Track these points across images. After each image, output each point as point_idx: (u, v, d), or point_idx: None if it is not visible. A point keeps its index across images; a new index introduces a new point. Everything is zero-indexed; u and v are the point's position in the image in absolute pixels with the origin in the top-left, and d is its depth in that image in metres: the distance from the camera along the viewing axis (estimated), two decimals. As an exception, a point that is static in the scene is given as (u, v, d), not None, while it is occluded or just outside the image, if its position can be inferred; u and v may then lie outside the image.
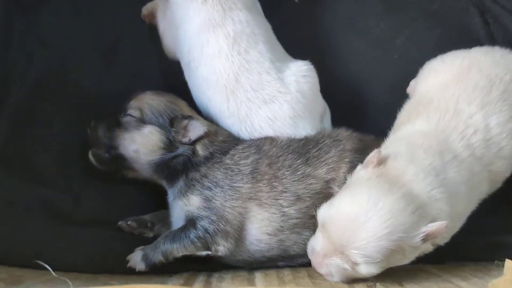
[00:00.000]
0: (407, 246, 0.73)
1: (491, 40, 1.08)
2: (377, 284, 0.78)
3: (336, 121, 1.05)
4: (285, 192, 0.89)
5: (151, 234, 0.96)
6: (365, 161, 0.79)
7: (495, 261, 0.86)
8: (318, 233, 0.80)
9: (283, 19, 1.11)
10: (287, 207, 0.88)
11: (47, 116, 0.99)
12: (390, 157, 0.79)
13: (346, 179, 0.85)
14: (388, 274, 0.79)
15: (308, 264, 0.92)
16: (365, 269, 0.74)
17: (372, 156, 0.78)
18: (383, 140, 0.96)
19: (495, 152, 0.85)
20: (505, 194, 0.93)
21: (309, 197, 0.89)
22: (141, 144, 0.91)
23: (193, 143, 0.92)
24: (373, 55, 1.13)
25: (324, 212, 0.78)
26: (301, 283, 0.81)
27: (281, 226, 0.88)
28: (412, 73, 1.07)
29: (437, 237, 0.74)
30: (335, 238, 0.74)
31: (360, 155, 0.92)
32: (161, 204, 0.98)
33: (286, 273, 0.88)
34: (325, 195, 0.89)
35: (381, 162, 0.78)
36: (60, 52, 1.04)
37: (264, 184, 0.89)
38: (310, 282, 0.82)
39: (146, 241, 0.92)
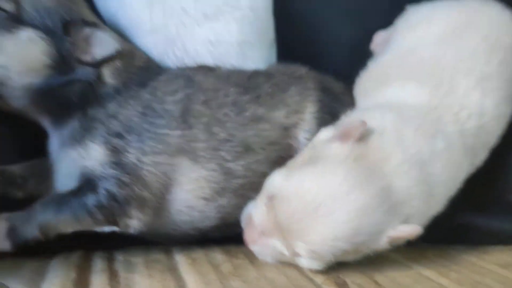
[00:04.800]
0: (365, 248, 0.60)
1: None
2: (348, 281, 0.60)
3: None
4: (229, 140, 0.65)
5: (20, 194, 0.65)
6: (342, 130, 0.60)
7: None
8: (261, 202, 0.61)
9: None
10: (231, 161, 0.65)
11: None
12: (375, 133, 0.61)
13: (315, 121, 0.69)
14: (355, 266, 0.63)
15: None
16: (307, 263, 0.60)
17: (355, 127, 0.59)
18: (345, 83, 0.79)
19: (484, 141, 0.72)
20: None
21: (262, 148, 0.67)
22: (14, 57, 0.59)
23: (99, 64, 0.62)
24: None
25: (277, 182, 0.60)
26: (248, 277, 0.59)
27: (222, 188, 0.65)
28: (373, 10, 0.88)
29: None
30: (283, 220, 0.58)
31: (328, 95, 0.72)
32: (37, 148, 0.67)
33: (221, 259, 0.65)
34: (283, 147, 0.68)
35: (364, 136, 0.60)
36: None
37: (200, 130, 0.64)
38: (257, 275, 0.60)
39: (12, 205, 0.62)
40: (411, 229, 0.59)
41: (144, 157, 0.61)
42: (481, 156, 0.74)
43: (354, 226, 0.56)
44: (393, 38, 0.81)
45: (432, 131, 0.66)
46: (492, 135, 0.74)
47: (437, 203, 0.67)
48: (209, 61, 0.70)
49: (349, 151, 0.58)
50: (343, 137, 0.59)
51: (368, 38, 0.88)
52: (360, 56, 0.83)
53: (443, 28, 0.75)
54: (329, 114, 0.69)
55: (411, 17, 0.82)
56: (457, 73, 0.71)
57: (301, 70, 0.75)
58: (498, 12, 0.78)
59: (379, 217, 0.58)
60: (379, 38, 0.88)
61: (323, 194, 0.56)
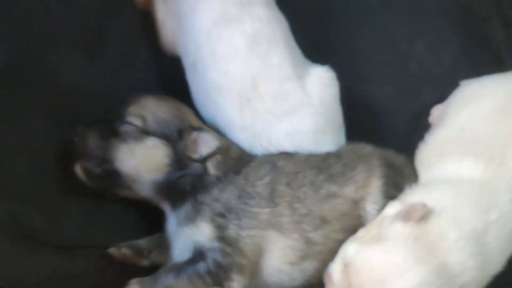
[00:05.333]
0: None
1: (512, 56, 1.01)
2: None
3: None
4: (309, 214, 0.79)
5: (145, 263, 0.82)
6: (405, 212, 0.70)
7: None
8: (338, 266, 0.72)
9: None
10: (311, 231, 0.78)
11: (15, 113, 0.80)
12: (434, 213, 0.71)
13: (380, 194, 0.81)
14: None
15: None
16: None
17: (417, 209, 0.70)
18: (405, 154, 0.89)
19: None
20: None
21: (336, 219, 0.79)
22: (143, 159, 0.77)
23: (204, 160, 0.79)
24: (387, 60, 1.03)
25: (350, 252, 0.71)
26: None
27: (305, 254, 0.78)
28: (429, 85, 1.00)
29: None
30: (354, 285, 0.68)
31: (391, 170, 0.84)
32: (153, 224, 0.85)
33: (306, 314, 0.78)
34: (354, 217, 0.81)
35: (425, 217, 0.70)
36: (31, 35, 0.84)
37: (284, 207, 0.78)
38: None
39: (138, 270, 0.79)
40: None
41: (241, 231, 0.76)
42: None
43: None
44: (448, 112, 0.90)
45: (486, 204, 0.74)
46: None
47: (495, 267, 0.74)
48: (289, 148, 0.83)
49: (410, 231, 0.68)
50: (405, 217, 0.69)
51: (425, 111, 0.98)
52: (417, 128, 0.93)
53: (492, 104, 0.83)
54: (393, 187, 0.81)
55: (463, 93, 0.91)
56: (507, 146, 0.79)
57: (366, 148, 0.87)
58: None
59: None
60: (436, 111, 0.97)
61: (387, 270, 0.66)
